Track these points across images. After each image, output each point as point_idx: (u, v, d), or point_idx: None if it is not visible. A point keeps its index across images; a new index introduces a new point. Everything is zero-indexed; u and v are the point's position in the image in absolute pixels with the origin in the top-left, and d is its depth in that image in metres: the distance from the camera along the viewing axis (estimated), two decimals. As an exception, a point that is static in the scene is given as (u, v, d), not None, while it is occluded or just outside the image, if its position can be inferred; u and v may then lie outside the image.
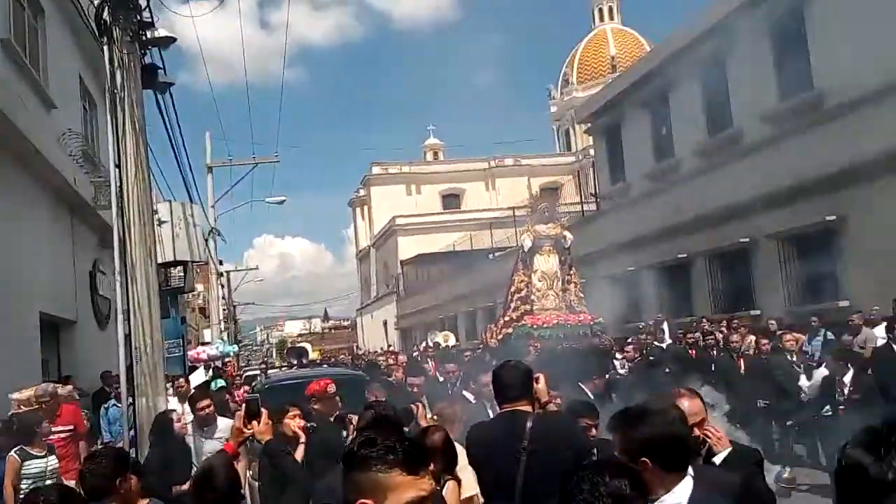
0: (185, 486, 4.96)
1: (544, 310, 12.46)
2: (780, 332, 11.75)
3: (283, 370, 20.30)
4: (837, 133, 14.06)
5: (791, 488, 4.86)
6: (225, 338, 30.51)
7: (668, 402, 3.13)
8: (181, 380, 10.29)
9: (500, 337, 12.68)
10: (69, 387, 9.20)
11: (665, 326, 15.95)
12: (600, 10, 60.29)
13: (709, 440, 3.50)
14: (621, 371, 12.01)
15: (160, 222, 11.93)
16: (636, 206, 21.34)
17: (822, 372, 9.25)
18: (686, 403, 3.31)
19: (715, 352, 11.67)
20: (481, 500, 4.17)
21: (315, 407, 5.50)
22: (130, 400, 6.72)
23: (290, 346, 44.25)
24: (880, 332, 10.42)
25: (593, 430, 4.68)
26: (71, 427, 7.61)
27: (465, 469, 4.32)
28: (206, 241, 23.60)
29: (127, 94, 7.13)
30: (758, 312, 16.03)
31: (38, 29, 11.67)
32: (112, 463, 3.68)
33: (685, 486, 2.55)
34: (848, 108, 13.91)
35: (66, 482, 5.40)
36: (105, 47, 7.11)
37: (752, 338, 11.59)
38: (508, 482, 3.80)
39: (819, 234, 14.72)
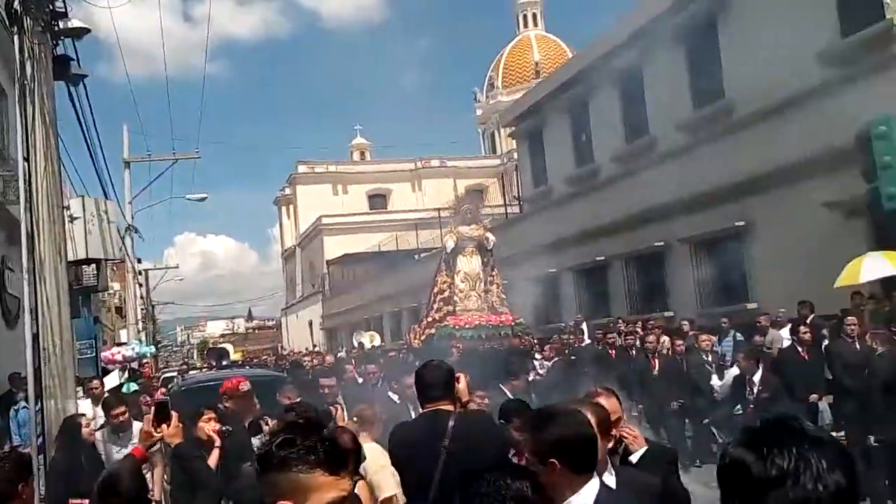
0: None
1: (467, 311, 12.53)
2: (694, 333, 12.17)
3: (202, 371, 19.83)
4: (746, 141, 14.57)
5: None
6: (143, 338, 29.65)
7: (586, 402, 3.21)
8: (95, 382, 9.97)
9: (423, 338, 12.70)
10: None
11: (584, 327, 16.33)
12: (524, 17, 61.04)
13: (625, 439, 3.60)
14: (541, 371, 12.21)
15: (72, 218, 11.55)
16: (557, 210, 21.73)
17: (734, 371, 9.59)
18: (603, 402, 3.37)
19: (634, 352, 11.97)
20: (402, 499, 4.20)
21: (227, 405, 5.39)
22: (38, 403, 6.49)
23: (210, 346, 43.23)
24: (786, 333, 10.88)
25: None
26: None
27: (385, 469, 4.35)
28: (123, 238, 22.86)
29: (37, 86, 6.94)
30: (671, 314, 16.53)
31: (-57, 16, 11.13)
32: (15, 468, 3.60)
33: (592, 488, 2.58)
34: (756, 118, 14.48)
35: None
36: (15, 37, 6.88)
37: (666, 338, 11.95)
38: (430, 482, 3.82)
39: (729, 239, 15.29)
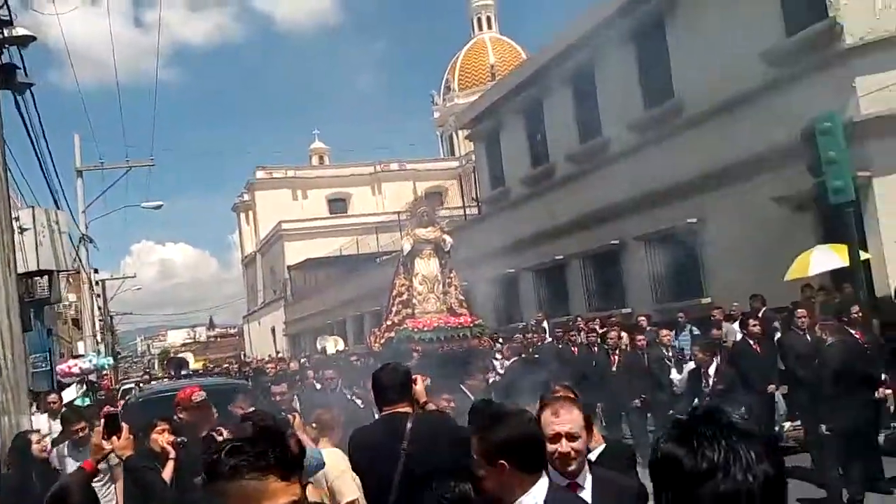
0: None
1: (425, 313, 12.52)
2: (653, 328, 12.32)
3: (163, 382, 19.56)
4: (697, 140, 14.83)
5: None
6: (101, 350, 29.12)
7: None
8: (53, 396, 9.79)
9: (382, 341, 12.67)
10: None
11: (545, 325, 16.46)
12: (479, 20, 61.21)
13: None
14: (501, 371, 12.24)
15: (21, 230, 11.32)
16: (514, 211, 21.87)
17: (692, 365, 9.80)
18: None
19: (596, 349, 12.07)
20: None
21: (181, 416, 5.32)
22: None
23: (171, 356, 42.62)
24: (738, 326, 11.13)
25: None
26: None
27: (345, 474, 4.34)
28: (77, 248, 22.45)
29: (-19, 96, 6.77)
30: (629, 310, 16.73)
31: None
32: None
33: (541, 487, 2.59)
34: (705, 117, 14.73)
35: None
36: (-44, 47, 6.73)
37: (625, 335, 12.07)
38: (389, 484, 3.81)
39: (682, 236, 15.54)
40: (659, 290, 16.64)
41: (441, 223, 13.93)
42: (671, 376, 10.27)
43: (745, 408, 8.04)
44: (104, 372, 22.33)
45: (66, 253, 13.34)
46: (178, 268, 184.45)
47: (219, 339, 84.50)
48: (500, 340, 14.74)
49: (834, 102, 11.35)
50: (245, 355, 48.26)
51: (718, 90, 14.25)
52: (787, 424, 10.07)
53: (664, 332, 11.31)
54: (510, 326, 18.77)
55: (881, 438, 8.43)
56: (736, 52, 14.15)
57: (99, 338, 31.61)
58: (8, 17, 7.62)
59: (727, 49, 14.36)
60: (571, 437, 2.93)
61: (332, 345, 22.92)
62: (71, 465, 6.21)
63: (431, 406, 4.39)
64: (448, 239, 13.15)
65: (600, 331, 12.76)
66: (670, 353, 10.82)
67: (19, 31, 8.12)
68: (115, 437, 3.81)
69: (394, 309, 12.88)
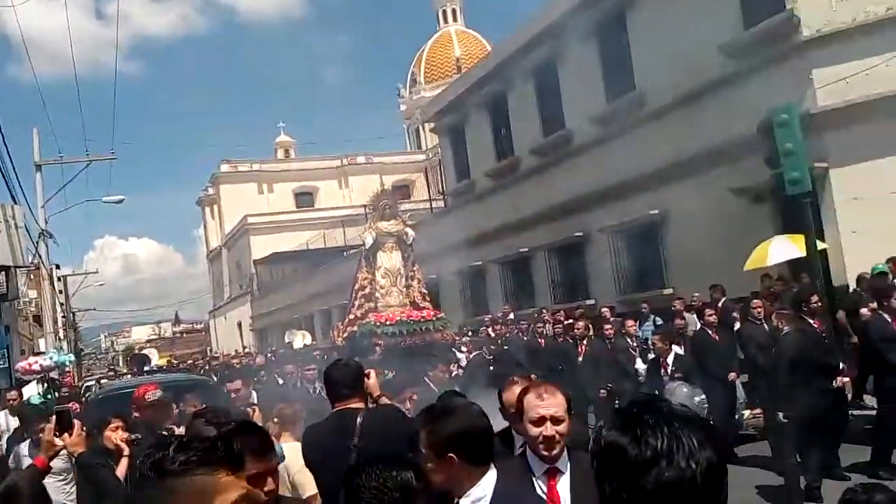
0: None
1: (388, 307, 12.51)
2: (618, 319, 12.44)
3: (125, 378, 19.32)
4: (657, 133, 14.95)
5: None
6: (63, 347, 28.64)
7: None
8: (12, 392, 9.69)
9: (346, 335, 12.65)
10: None
11: (512, 317, 16.54)
12: (444, 12, 61.12)
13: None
14: (463, 364, 12.27)
15: (-25, 226, 11.07)
16: (480, 203, 21.92)
17: (653, 355, 9.92)
18: (516, 390, 3.40)
19: (562, 339, 12.14)
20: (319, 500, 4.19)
21: (136, 416, 5.25)
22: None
23: (134, 353, 42.09)
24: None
25: None
26: None
27: (304, 469, 4.32)
28: (37, 244, 22.04)
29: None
30: (593, 302, 16.88)
31: None
32: None
33: (490, 479, 2.61)
34: (665, 110, 14.86)
35: None
36: None
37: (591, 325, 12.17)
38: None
39: (645, 228, 15.71)
40: (622, 281, 16.80)
41: (403, 216, 13.91)
42: (636, 366, 10.39)
43: (705, 395, 8.15)
44: (66, 369, 21.93)
45: (23, 248, 13.09)
46: (142, 263, 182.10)
47: (184, 335, 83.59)
48: (470, 334, 14.75)
49: (791, 94, 11.51)
50: (211, 351, 47.79)
51: (679, 83, 14.37)
52: (747, 412, 10.23)
53: (629, 322, 11.44)
54: (476, 319, 18.82)
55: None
56: (695, 44, 14.25)
57: (61, 334, 31.10)
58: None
59: (687, 42, 14.44)
60: (556, 420, 2.89)
61: (300, 339, 22.84)
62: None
63: (385, 400, 4.37)
64: (410, 232, 13.15)
65: (566, 322, 12.86)
66: (635, 343, 10.95)
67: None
68: (66, 434, 3.74)
69: (356, 303, 12.87)
